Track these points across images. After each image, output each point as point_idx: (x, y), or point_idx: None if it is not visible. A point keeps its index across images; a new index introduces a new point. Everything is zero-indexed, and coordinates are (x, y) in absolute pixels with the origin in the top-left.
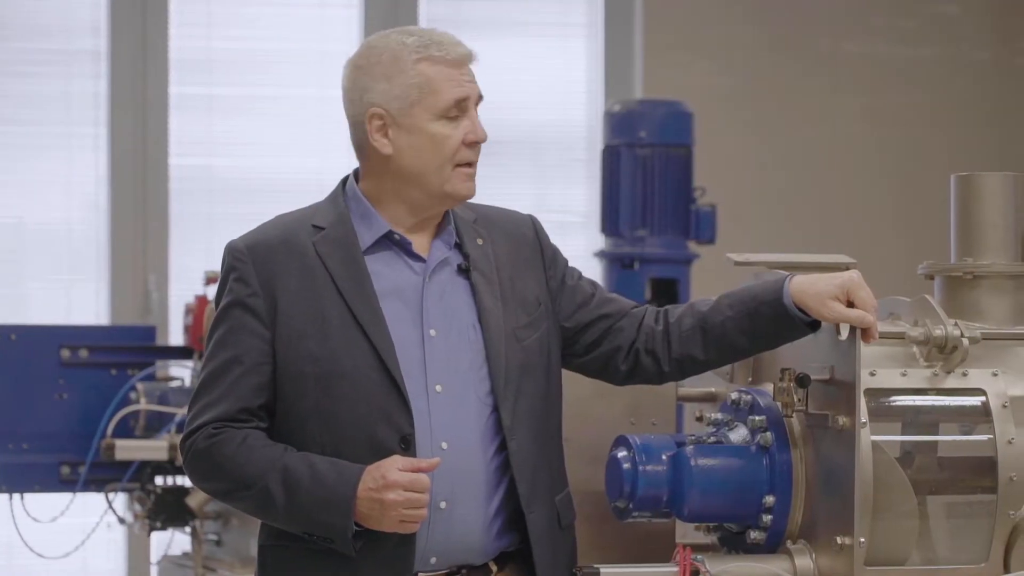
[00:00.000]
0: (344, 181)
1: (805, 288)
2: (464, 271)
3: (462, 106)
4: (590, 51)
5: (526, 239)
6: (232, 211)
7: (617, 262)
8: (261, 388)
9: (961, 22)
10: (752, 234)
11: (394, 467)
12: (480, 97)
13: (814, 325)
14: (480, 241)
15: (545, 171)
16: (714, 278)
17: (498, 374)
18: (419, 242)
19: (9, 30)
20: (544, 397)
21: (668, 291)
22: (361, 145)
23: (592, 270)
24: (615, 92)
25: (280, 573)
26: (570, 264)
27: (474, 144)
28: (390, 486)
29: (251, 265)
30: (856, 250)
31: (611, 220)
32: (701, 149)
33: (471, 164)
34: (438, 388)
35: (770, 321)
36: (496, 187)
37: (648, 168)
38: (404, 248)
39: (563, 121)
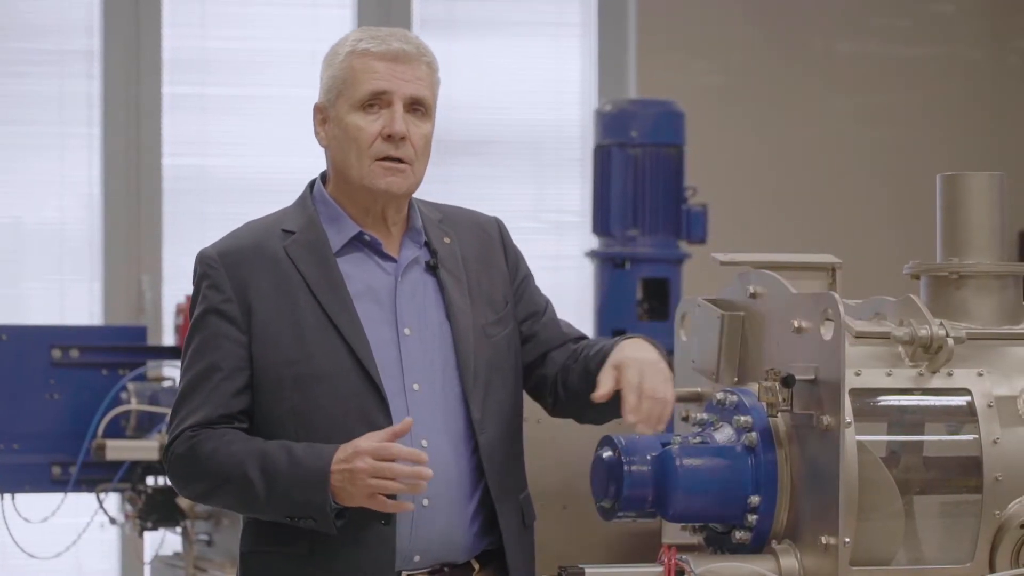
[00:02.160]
0: (311, 184)
1: (625, 354)
2: (432, 268)
3: (383, 99)
4: (584, 51)
5: (491, 240)
6: (225, 211)
7: (608, 262)
8: (240, 393)
9: (956, 21)
10: (745, 234)
11: (366, 437)
12: (415, 98)
13: None
14: (447, 240)
15: (540, 171)
16: (705, 278)
17: (467, 369)
18: (389, 242)
19: (2, 30)
20: (512, 395)
21: (659, 291)
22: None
23: (585, 270)
24: (609, 91)
25: None
26: (533, 275)
27: (392, 138)
28: (359, 454)
29: (223, 271)
30: (850, 250)
31: (602, 220)
32: (696, 149)
33: (392, 159)
34: (416, 387)
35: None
36: (490, 187)
37: (639, 168)
38: (375, 249)
39: (558, 121)
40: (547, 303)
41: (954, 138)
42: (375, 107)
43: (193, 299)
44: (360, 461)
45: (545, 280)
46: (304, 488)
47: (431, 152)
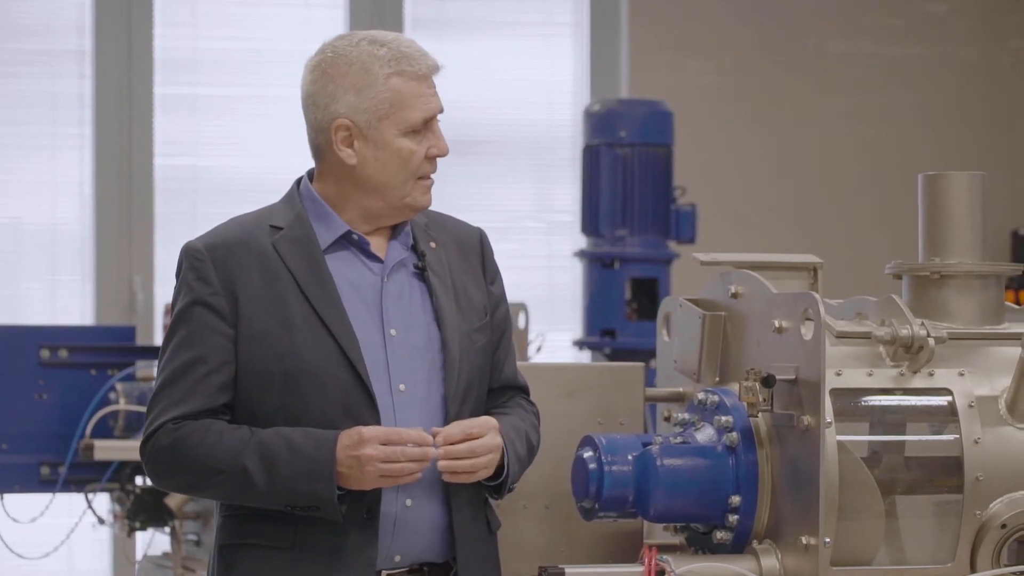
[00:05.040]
0: (298, 182)
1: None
2: (420, 271)
3: (428, 122)
4: (576, 51)
5: (474, 251)
6: (217, 211)
7: (597, 262)
8: (224, 387)
9: (949, 21)
10: (734, 234)
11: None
12: (441, 110)
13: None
14: (433, 245)
15: (532, 171)
16: (695, 278)
17: (451, 373)
18: (376, 243)
19: None
20: (484, 402)
21: (648, 291)
22: (321, 150)
23: (578, 269)
24: (601, 91)
25: (244, 574)
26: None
27: (435, 158)
28: (367, 441)
29: (211, 264)
30: (842, 250)
31: (591, 220)
32: (688, 149)
33: (430, 176)
34: (401, 387)
35: None
36: (482, 187)
37: (628, 168)
38: (362, 248)
39: (549, 121)
40: (504, 333)
41: (946, 138)
42: (421, 129)
43: (177, 291)
44: (369, 448)
45: (538, 279)
46: (309, 479)
47: None
